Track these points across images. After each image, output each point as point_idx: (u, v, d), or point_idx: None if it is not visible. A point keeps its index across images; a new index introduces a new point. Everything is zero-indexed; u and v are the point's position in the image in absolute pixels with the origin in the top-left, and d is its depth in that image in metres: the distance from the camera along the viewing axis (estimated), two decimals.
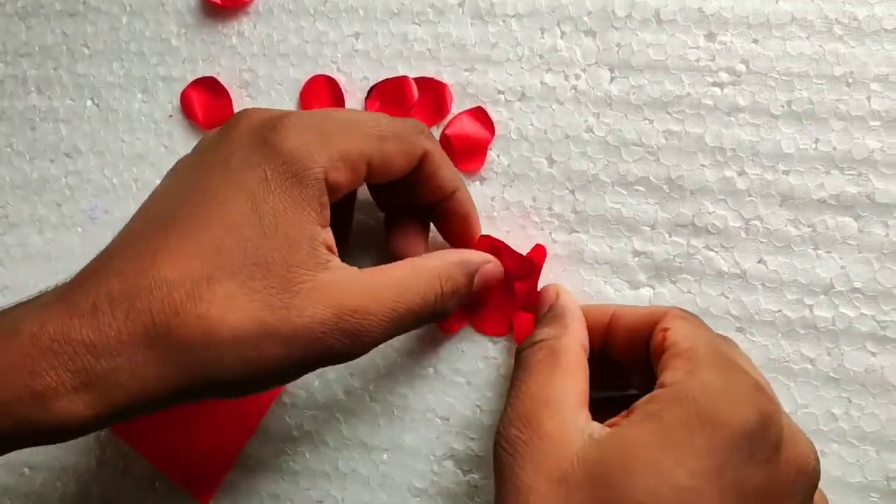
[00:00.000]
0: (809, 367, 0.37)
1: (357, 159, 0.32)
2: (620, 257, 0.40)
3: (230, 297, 0.29)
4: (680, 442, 0.28)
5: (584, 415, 0.30)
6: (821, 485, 0.35)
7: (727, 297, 0.38)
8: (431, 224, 0.39)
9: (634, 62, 0.41)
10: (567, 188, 0.40)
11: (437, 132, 0.42)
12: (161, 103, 0.46)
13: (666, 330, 0.32)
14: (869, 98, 0.38)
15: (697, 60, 0.40)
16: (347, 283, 0.31)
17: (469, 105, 0.42)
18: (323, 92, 0.44)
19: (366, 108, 0.43)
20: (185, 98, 0.45)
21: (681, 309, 0.34)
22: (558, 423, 0.30)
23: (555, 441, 0.29)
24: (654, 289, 0.39)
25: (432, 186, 0.36)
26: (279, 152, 0.31)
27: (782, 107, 0.39)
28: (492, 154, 0.42)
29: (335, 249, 0.32)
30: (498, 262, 0.37)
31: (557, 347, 0.32)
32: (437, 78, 0.43)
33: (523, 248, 0.40)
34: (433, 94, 0.42)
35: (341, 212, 0.37)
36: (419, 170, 0.35)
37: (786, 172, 0.38)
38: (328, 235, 0.32)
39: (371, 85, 0.43)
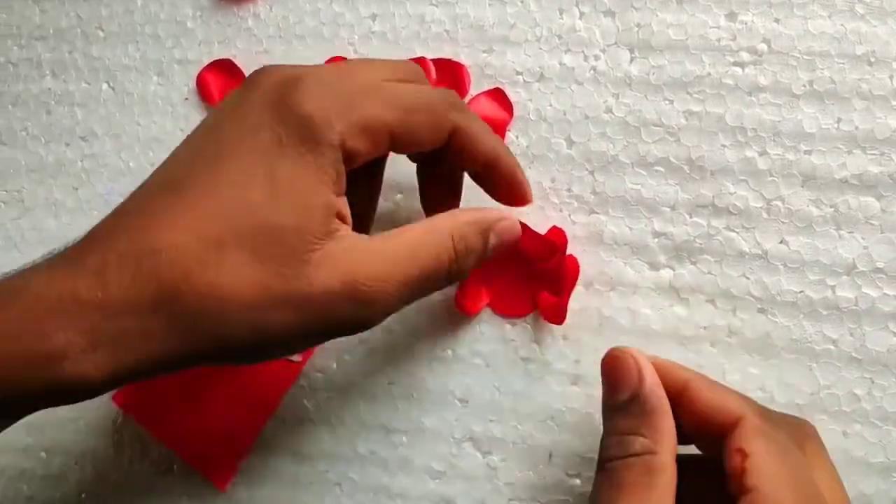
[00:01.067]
0: (832, 347, 0.37)
1: (379, 128, 0.31)
2: (640, 238, 0.39)
3: (240, 264, 0.28)
4: None
5: None
6: (843, 465, 0.35)
7: (748, 278, 0.38)
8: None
9: (654, 42, 0.40)
10: (586, 169, 0.40)
11: None
12: (177, 86, 0.46)
13: (745, 456, 0.28)
14: (891, 77, 0.38)
15: (718, 40, 0.40)
16: (359, 252, 0.30)
17: (487, 86, 0.42)
18: None
19: None
20: (200, 80, 0.45)
21: (758, 414, 0.29)
22: None
23: None
24: (674, 270, 0.39)
25: (466, 158, 0.35)
26: (296, 115, 0.30)
27: (804, 86, 0.38)
28: (510, 135, 0.41)
29: (349, 219, 0.31)
30: (515, 219, 0.36)
31: (654, 466, 0.28)
32: (455, 59, 0.42)
33: (542, 229, 0.39)
34: (451, 76, 0.42)
35: (365, 180, 0.36)
36: (451, 143, 0.34)
37: (808, 152, 0.38)
38: (342, 204, 0.31)
39: None
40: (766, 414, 0.30)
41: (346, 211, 0.31)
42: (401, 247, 0.31)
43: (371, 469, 0.40)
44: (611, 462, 0.29)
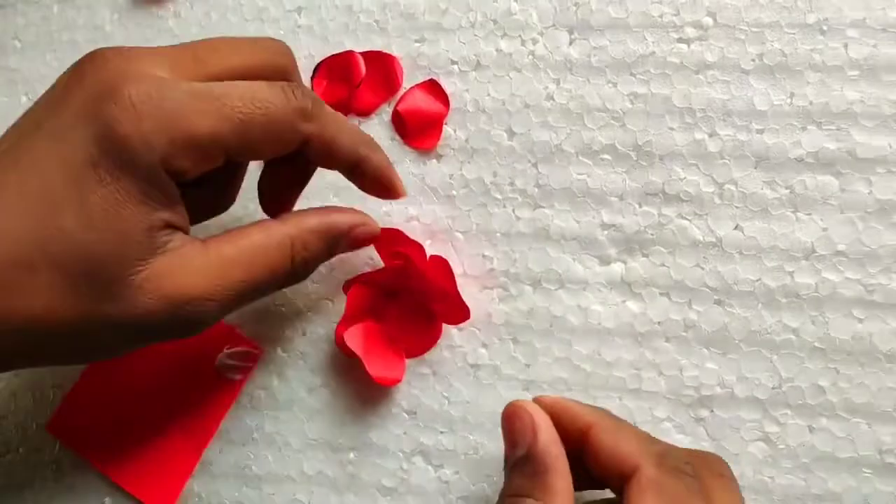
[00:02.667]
0: (793, 337, 0.35)
1: (208, 145, 0.29)
2: (589, 231, 0.37)
3: (54, 289, 0.28)
4: None
5: None
6: (810, 461, 0.34)
7: (703, 268, 0.36)
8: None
9: (594, 22, 0.38)
10: (529, 161, 0.38)
11: (388, 109, 0.40)
12: None
13: None
14: (846, 45, 0.36)
15: (661, 16, 0.37)
16: (186, 268, 0.29)
17: (421, 78, 0.40)
18: None
19: (313, 88, 0.40)
20: None
21: (655, 462, 0.28)
22: None
23: None
24: (625, 263, 0.37)
25: (326, 163, 0.33)
26: (111, 137, 0.27)
27: (753, 60, 0.36)
28: (448, 129, 0.39)
29: (181, 223, 0.30)
30: (372, 225, 0.35)
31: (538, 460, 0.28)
32: (386, 51, 0.40)
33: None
34: (382, 69, 0.40)
35: (221, 174, 0.34)
36: (306, 150, 0.32)
37: (760, 131, 0.36)
38: (171, 214, 0.29)
39: (316, 63, 0.41)
40: (665, 460, 0.28)
41: (179, 219, 0.30)
42: (235, 258, 0.30)
43: (319, 489, 0.38)
44: None
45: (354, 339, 0.37)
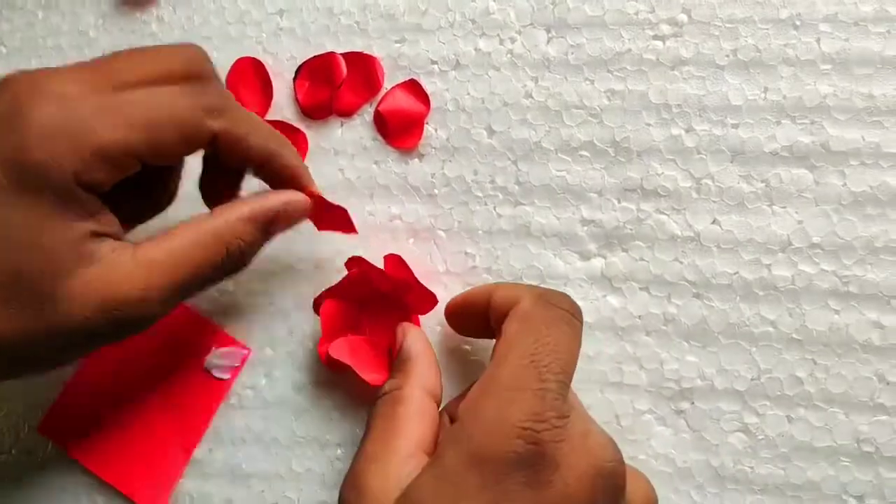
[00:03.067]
0: (771, 329, 0.35)
1: (118, 154, 0.29)
2: (569, 228, 0.38)
3: None
4: (456, 483, 0.27)
5: (413, 463, 0.29)
6: (789, 451, 0.34)
7: (681, 262, 0.36)
8: None
9: (571, 20, 0.38)
10: (509, 159, 0.38)
11: (370, 109, 0.40)
12: None
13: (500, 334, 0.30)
14: (818, 40, 0.36)
15: (636, 13, 0.38)
16: (116, 273, 0.30)
17: (402, 78, 0.40)
18: (250, 75, 0.42)
19: (295, 90, 0.41)
20: None
21: (534, 300, 0.30)
22: (381, 480, 0.29)
23: (375, 501, 0.29)
24: (605, 258, 0.37)
25: (236, 159, 0.34)
26: (21, 163, 0.28)
27: (727, 56, 0.37)
28: (429, 128, 0.39)
29: (108, 230, 0.30)
30: (301, 197, 0.35)
31: (399, 398, 0.32)
32: (367, 52, 0.40)
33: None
34: (363, 70, 0.40)
35: (152, 175, 0.35)
36: (216, 147, 0.33)
37: (735, 126, 0.36)
38: (94, 223, 0.30)
39: (299, 64, 0.41)
40: (542, 296, 0.30)
41: (105, 226, 0.30)
42: (164, 258, 0.31)
43: (308, 486, 0.39)
44: (372, 405, 0.33)
45: (341, 351, 0.37)
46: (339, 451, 0.39)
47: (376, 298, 0.38)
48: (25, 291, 0.28)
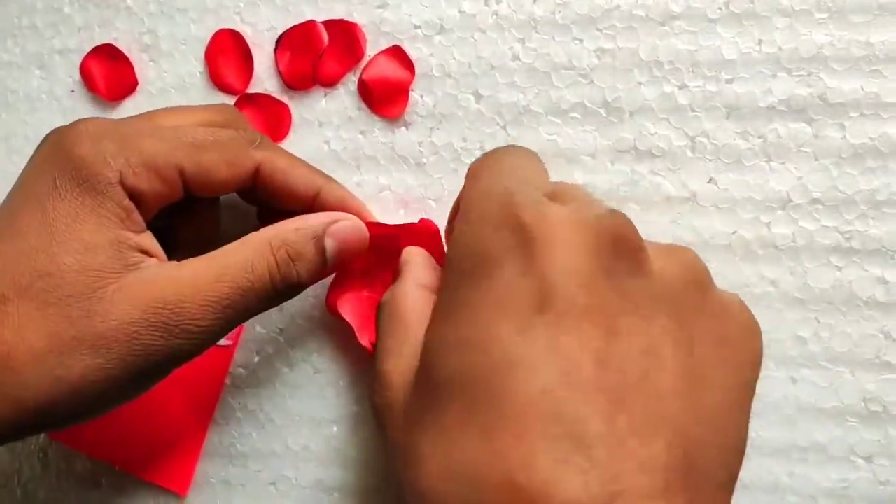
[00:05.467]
0: (772, 289, 0.34)
1: (163, 166, 0.30)
2: None
3: (24, 315, 0.27)
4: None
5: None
6: (794, 413, 0.34)
7: (678, 224, 0.35)
8: None
9: None
10: (498, 124, 0.37)
11: (353, 78, 0.39)
12: (61, 78, 0.43)
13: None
14: None
15: None
16: (159, 277, 0.29)
17: (385, 45, 0.39)
18: (229, 48, 0.40)
19: (276, 61, 0.40)
20: (84, 70, 0.42)
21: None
22: (396, 362, 0.28)
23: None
24: None
25: (285, 195, 0.34)
26: (70, 158, 0.29)
27: (720, 9, 0.35)
28: (414, 96, 0.38)
29: (157, 253, 0.30)
30: (355, 219, 0.34)
31: (392, 301, 0.30)
32: (348, 19, 0.39)
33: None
34: (345, 37, 0.39)
35: (197, 217, 0.35)
36: (261, 181, 0.33)
37: (729, 81, 0.35)
38: (142, 239, 0.30)
39: (279, 34, 0.40)
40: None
41: (150, 246, 0.30)
42: (208, 265, 0.29)
43: (305, 465, 0.38)
44: None
45: (345, 307, 0.36)
46: (335, 429, 0.38)
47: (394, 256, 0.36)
48: (60, 289, 0.27)
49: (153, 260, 0.30)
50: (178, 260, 0.30)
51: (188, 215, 0.34)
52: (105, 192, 0.29)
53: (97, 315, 0.27)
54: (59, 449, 0.41)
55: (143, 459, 0.40)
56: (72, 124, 0.30)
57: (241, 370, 0.39)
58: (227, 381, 0.39)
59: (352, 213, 0.34)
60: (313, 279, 0.32)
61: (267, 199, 0.34)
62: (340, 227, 0.33)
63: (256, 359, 0.39)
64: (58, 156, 0.29)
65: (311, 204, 0.34)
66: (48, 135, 0.31)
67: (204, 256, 0.30)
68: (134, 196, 0.30)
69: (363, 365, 0.38)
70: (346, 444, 0.38)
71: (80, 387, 0.27)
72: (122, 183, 0.29)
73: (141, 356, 0.28)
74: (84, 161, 0.29)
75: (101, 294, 0.28)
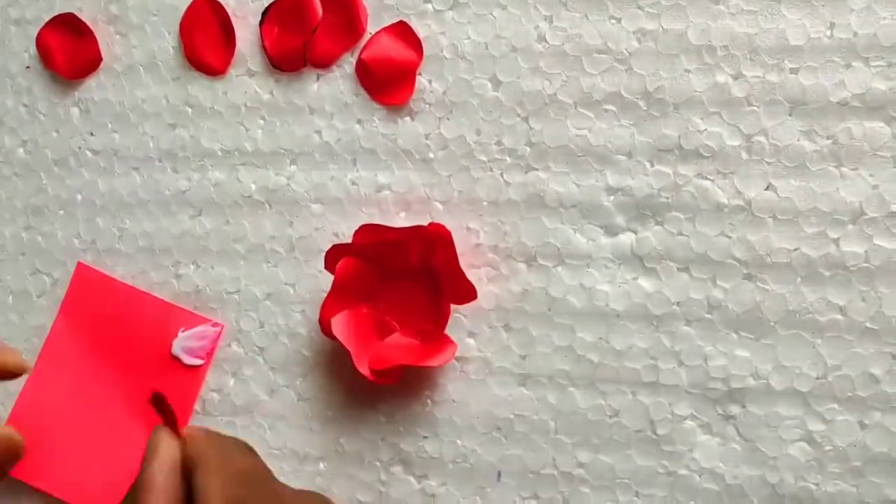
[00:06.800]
0: (839, 317, 0.31)
1: None
2: (591, 197, 0.34)
3: None
4: None
5: None
6: (862, 464, 0.31)
7: (729, 237, 0.32)
8: None
9: None
10: (518, 115, 0.35)
11: (351, 59, 0.36)
12: (16, 52, 0.40)
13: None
14: None
15: None
16: None
17: (389, 20, 0.37)
18: (208, 20, 0.38)
19: (262, 36, 0.37)
20: (41, 43, 0.39)
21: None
22: None
23: None
24: (636, 233, 0.33)
25: None
26: None
27: None
28: (422, 80, 0.36)
29: None
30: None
31: (142, 484, 0.28)
32: None
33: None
34: (342, 11, 0.36)
35: None
36: None
37: (794, 71, 0.32)
38: None
39: (265, 5, 0.37)
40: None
41: None
42: None
43: None
44: None
45: (340, 326, 0.34)
46: (321, 466, 0.36)
47: (405, 272, 0.34)
48: None
49: None
50: None
51: None
52: None
53: None
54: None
55: (102, 495, 0.37)
56: None
57: (214, 394, 0.37)
58: (197, 406, 0.37)
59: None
60: None
61: None
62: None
63: (231, 382, 0.37)
64: None
65: None
66: None
67: None
68: None
69: (358, 394, 0.35)
70: (334, 483, 0.35)
71: None
72: None
73: None
74: None
75: None
